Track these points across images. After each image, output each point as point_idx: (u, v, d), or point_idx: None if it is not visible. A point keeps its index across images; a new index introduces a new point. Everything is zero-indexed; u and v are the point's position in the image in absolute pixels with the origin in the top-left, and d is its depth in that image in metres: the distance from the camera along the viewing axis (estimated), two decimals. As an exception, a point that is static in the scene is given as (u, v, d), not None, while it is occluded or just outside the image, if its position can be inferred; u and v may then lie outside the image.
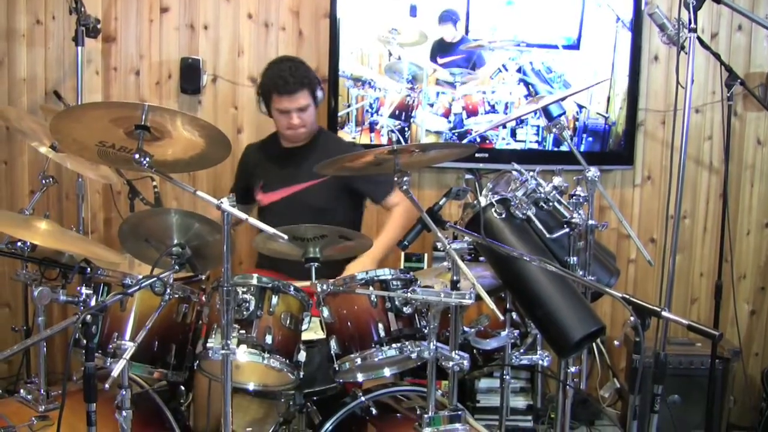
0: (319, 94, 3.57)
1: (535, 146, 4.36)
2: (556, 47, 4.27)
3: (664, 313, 2.01)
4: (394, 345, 2.49)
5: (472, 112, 4.32)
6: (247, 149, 3.94)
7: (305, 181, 3.59)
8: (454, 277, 2.32)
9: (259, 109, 3.59)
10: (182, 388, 2.89)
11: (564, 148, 4.29)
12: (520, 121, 4.31)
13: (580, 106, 4.33)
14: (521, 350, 2.83)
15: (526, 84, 4.29)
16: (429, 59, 4.27)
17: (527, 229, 2.58)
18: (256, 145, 3.91)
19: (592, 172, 2.65)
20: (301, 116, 3.51)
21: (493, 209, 2.55)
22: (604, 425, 4.33)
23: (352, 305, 2.58)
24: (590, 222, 2.62)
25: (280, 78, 3.45)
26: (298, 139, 3.61)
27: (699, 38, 3.19)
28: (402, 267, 3.96)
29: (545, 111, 2.77)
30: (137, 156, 2.23)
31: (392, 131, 4.32)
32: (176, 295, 2.56)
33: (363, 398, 2.73)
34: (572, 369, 2.72)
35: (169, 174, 2.34)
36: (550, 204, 2.64)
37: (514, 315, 2.80)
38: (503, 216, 2.55)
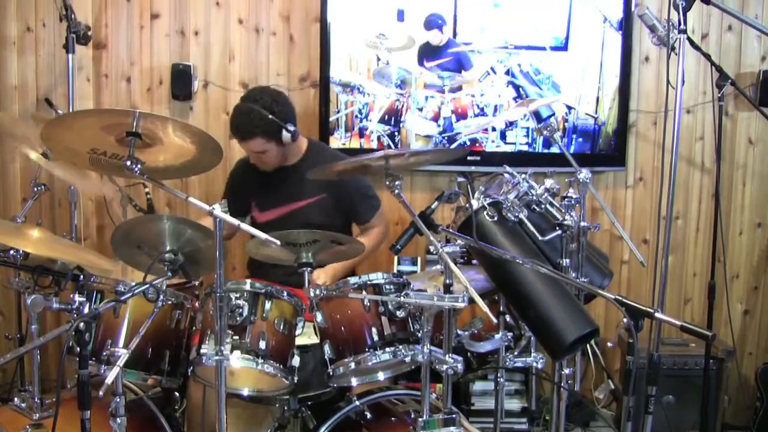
0: (284, 134, 3.36)
1: (525, 148, 4.36)
2: (543, 49, 4.28)
3: (657, 314, 2.01)
4: (387, 349, 2.50)
5: (461, 116, 4.32)
6: (237, 164, 3.84)
7: (302, 199, 3.55)
8: (447, 281, 2.32)
9: None
10: (176, 394, 2.88)
11: (555, 149, 4.29)
12: (510, 123, 4.31)
13: (569, 107, 4.34)
14: (515, 353, 2.84)
15: (515, 86, 4.29)
16: (417, 63, 4.27)
17: (519, 231, 2.58)
18: (246, 161, 3.72)
19: (584, 173, 2.66)
20: (260, 157, 3.47)
21: (485, 212, 2.55)
22: (598, 426, 4.33)
23: (346, 310, 2.58)
24: (582, 224, 2.63)
25: (233, 123, 3.41)
26: (267, 169, 3.57)
27: (689, 39, 3.19)
28: (395, 270, 3.96)
29: (535, 113, 2.79)
30: (129, 163, 2.23)
31: (382, 136, 4.32)
32: (169, 302, 2.55)
33: (357, 402, 2.73)
34: (566, 371, 2.72)
35: (160, 180, 2.34)
36: (542, 206, 2.64)
37: (508, 318, 2.80)
38: (495, 219, 2.55)
